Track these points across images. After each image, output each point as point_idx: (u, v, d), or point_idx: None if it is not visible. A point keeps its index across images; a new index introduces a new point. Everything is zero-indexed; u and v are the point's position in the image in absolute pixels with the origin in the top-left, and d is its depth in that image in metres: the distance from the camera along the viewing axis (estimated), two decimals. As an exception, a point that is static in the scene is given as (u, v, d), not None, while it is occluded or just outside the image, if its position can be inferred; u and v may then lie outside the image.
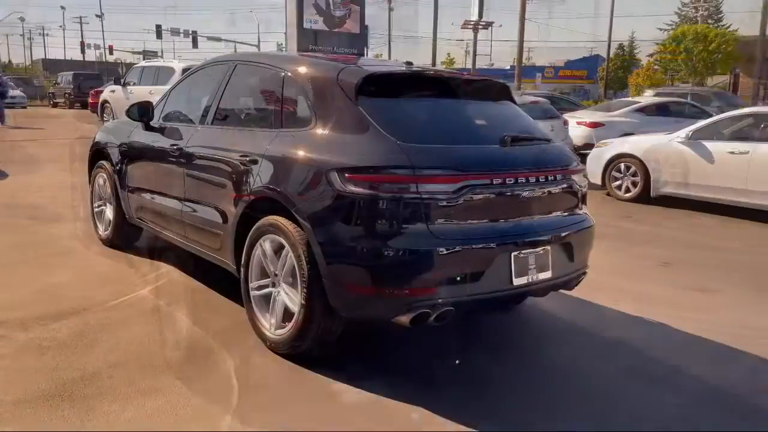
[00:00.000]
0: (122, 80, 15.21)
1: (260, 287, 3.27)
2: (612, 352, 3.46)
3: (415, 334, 3.27)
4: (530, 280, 2.96)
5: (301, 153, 2.99)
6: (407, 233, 2.69)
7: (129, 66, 48.28)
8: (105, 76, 36.15)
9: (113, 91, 15.42)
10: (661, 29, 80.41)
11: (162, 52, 69.98)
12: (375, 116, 2.89)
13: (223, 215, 3.50)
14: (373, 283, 2.72)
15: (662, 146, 8.09)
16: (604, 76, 48.23)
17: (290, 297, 3.06)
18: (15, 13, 68.96)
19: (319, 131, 3.02)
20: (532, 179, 2.98)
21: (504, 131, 3.17)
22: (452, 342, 3.40)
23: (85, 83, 30.45)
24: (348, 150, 2.84)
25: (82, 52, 58.42)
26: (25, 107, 28.67)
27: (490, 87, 3.49)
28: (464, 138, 3.06)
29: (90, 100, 21.12)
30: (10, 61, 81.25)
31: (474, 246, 2.77)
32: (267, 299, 3.24)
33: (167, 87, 13.48)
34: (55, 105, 32.23)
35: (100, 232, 5.18)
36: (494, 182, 2.84)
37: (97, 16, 56.47)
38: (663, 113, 12.32)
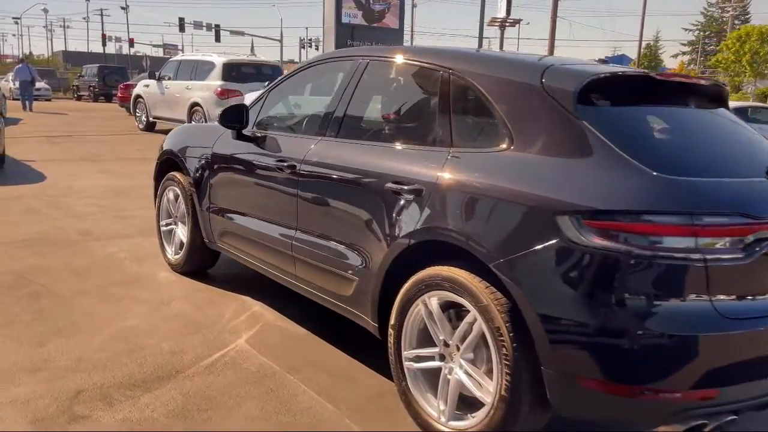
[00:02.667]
0: (157, 74, 14.48)
1: (420, 358, 2.47)
2: None
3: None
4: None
5: (500, 184, 2.17)
6: (682, 309, 1.87)
7: (153, 59, 47.78)
8: (129, 69, 35.66)
9: (147, 86, 14.70)
10: (686, 29, 78.61)
11: (182, 45, 69.69)
12: (609, 135, 2.07)
13: (363, 257, 2.70)
14: (627, 379, 1.90)
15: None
16: (632, 76, 46.56)
17: (475, 380, 2.25)
18: (38, 3, 68.74)
19: (523, 154, 2.21)
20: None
21: (752, 153, 2.36)
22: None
23: (110, 76, 30.01)
24: (579, 184, 2.02)
25: (104, 44, 58.00)
26: (49, 100, 28.19)
27: (712, 91, 2.63)
28: (726, 167, 2.22)
29: (119, 95, 20.50)
30: (30, 53, 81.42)
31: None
32: (432, 376, 2.44)
33: (206, 82, 12.85)
34: (79, 98, 31.74)
35: (168, 256, 4.42)
36: (788, 233, 2.00)
37: (122, 8, 56.02)
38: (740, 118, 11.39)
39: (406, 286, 2.46)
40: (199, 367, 2.93)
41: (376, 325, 2.69)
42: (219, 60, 12.86)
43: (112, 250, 4.82)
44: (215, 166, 3.81)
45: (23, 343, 3.09)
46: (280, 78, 3.65)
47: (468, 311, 2.25)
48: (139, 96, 15.07)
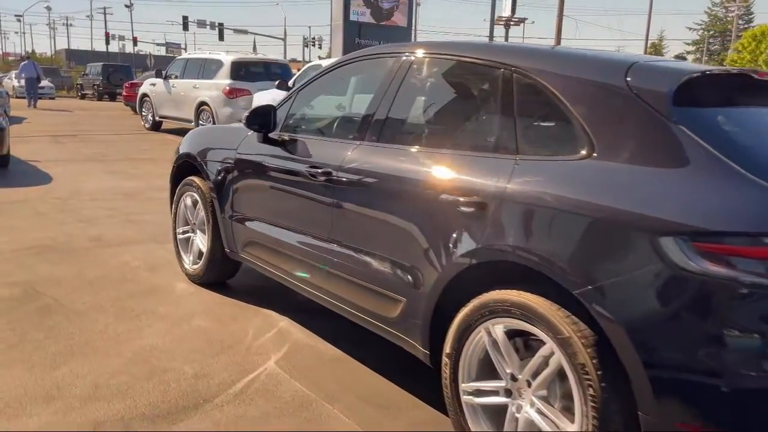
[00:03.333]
0: (164, 73, 14.21)
1: (481, 392, 2.20)
2: None
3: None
4: None
5: (583, 198, 1.90)
6: (811, 349, 1.61)
7: (157, 58, 47.54)
8: (133, 67, 35.42)
9: (154, 85, 14.44)
10: (690, 29, 78.57)
11: (185, 44, 69.50)
12: (713, 142, 1.80)
13: (412, 275, 2.43)
14: (746, 429, 1.64)
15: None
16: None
17: (550, 421, 1.98)
18: (41, 1, 68.52)
19: (607, 163, 1.94)
20: None
21: None
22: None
23: (114, 75, 29.78)
24: (684, 199, 1.75)
25: (107, 43, 57.82)
26: (53, 98, 27.96)
27: None
28: None
29: (124, 93, 20.23)
30: (33, 50, 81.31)
31: None
32: (495, 412, 2.17)
33: (214, 81, 12.58)
34: (83, 96, 31.55)
35: (186, 266, 4.15)
36: None
37: (126, 6, 55.81)
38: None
39: (466, 310, 2.20)
40: (228, 394, 2.67)
41: (427, 352, 2.42)
42: (227, 58, 12.60)
43: (125, 258, 4.56)
44: (239, 172, 3.54)
45: (35, 366, 2.83)
46: (310, 77, 3.37)
47: (542, 342, 1.98)
48: (145, 95, 14.81)
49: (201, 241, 4.00)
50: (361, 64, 3.15)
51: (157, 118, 14.47)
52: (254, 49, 74.59)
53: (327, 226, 2.88)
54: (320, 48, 66.43)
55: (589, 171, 1.96)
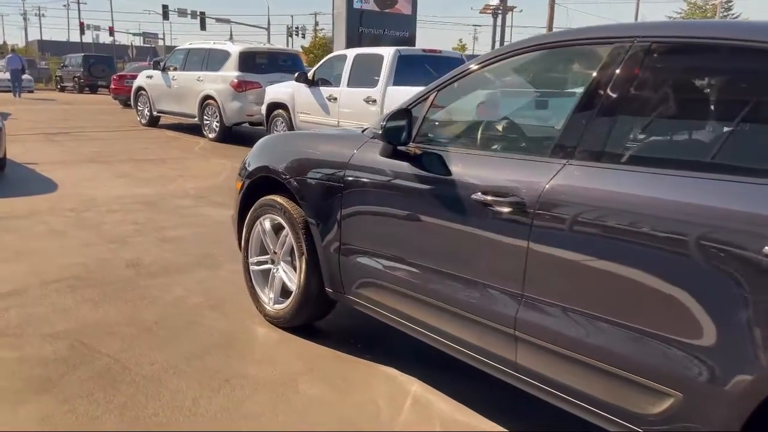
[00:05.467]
0: (162, 64, 13.21)
1: None
2: None
3: None
4: None
5: None
6: None
7: (138, 48, 45.85)
8: (114, 58, 34.04)
9: (150, 77, 13.42)
10: (670, 17, 79.07)
11: (163, 34, 67.76)
12: None
13: (702, 363, 1.67)
14: None
15: None
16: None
17: None
18: (12, -9, 65.81)
19: None
20: None
21: None
22: None
23: (95, 66, 28.53)
24: None
25: (82, 33, 55.73)
26: (31, 91, 26.59)
27: None
28: None
29: (113, 86, 19.12)
30: (5, 42, 78.62)
31: None
32: None
33: (220, 73, 11.64)
34: (62, 89, 30.17)
35: (265, 305, 3.35)
36: None
37: (105, -6, 53.83)
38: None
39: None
40: None
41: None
42: (234, 48, 11.65)
43: (177, 291, 3.75)
44: (354, 193, 2.76)
45: (121, 478, 2.03)
46: (456, 72, 2.56)
47: None
48: (141, 88, 13.79)
49: (288, 276, 3.21)
50: (547, 54, 2.36)
51: (154, 113, 13.49)
52: (231, 38, 72.70)
53: (514, 275, 2.11)
54: (303, 38, 65.08)
55: None
